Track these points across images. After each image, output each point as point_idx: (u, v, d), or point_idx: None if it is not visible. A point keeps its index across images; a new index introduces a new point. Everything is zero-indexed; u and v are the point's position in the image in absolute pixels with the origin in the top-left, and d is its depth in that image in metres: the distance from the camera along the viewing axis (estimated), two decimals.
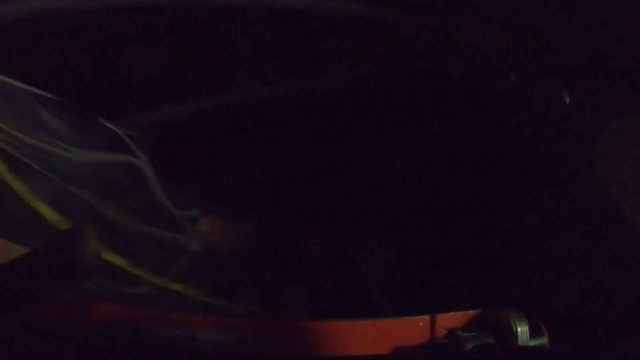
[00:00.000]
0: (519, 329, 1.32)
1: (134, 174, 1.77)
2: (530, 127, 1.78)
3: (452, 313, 1.35)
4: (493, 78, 1.82)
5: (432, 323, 1.33)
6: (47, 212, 1.70)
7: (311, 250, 2.03)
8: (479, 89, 1.80)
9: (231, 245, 2.02)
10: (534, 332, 1.34)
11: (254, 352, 1.28)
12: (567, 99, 1.74)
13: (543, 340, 1.35)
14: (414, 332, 1.32)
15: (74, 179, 1.66)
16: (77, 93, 1.64)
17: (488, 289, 1.59)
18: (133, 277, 1.79)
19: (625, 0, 1.58)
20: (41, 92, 1.60)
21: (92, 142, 1.70)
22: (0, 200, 1.67)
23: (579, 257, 1.58)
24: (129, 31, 1.69)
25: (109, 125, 1.75)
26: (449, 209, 1.79)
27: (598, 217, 1.59)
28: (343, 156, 1.93)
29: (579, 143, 1.66)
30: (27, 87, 1.60)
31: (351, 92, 1.83)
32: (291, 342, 1.31)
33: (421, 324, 1.32)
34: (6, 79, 1.55)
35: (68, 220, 1.69)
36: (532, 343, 1.33)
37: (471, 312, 1.37)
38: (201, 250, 1.91)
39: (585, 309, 1.49)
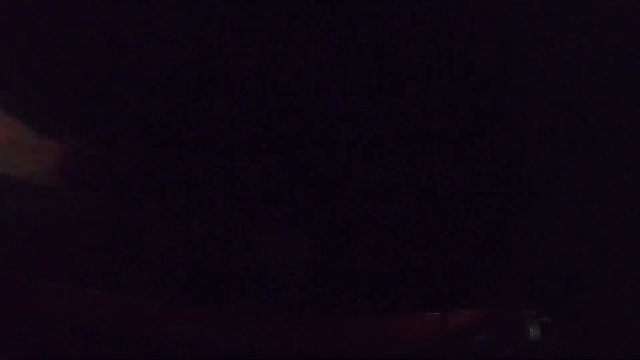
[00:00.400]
0: (530, 328, 1.36)
1: None
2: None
3: (463, 311, 1.38)
4: None
5: (443, 320, 1.36)
6: None
7: (189, 226, 1.56)
8: None
9: (32, 176, 1.39)
10: (545, 332, 1.37)
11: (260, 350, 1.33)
12: None
13: (554, 340, 1.38)
14: (425, 328, 1.35)
15: None
16: None
17: (500, 288, 1.56)
18: None
19: None
20: None
21: None
22: None
23: (592, 257, 1.56)
24: None
25: None
26: (456, 201, 1.63)
27: (611, 216, 1.57)
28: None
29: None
30: None
31: None
32: (299, 339, 1.35)
33: (432, 320, 1.36)
34: None
35: None
36: (543, 342, 1.36)
37: (482, 310, 1.39)
38: None
39: (597, 309, 1.49)
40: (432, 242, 1.54)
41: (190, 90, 1.51)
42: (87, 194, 1.47)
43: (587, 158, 1.55)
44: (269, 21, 1.48)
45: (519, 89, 1.59)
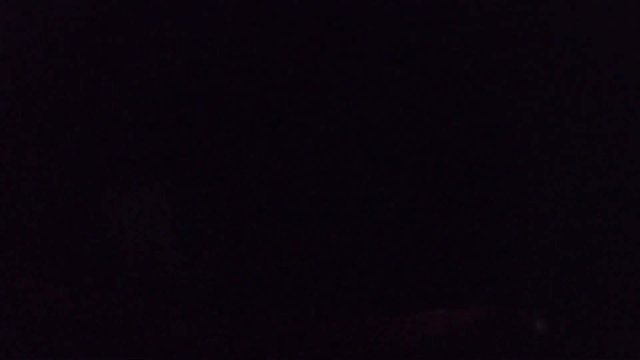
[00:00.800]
0: (537, 325, 1.37)
1: None
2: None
3: (469, 308, 1.39)
4: None
5: (450, 318, 1.37)
6: None
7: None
8: None
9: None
10: (551, 328, 1.38)
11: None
12: None
13: (560, 335, 1.39)
14: (431, 326, 1.36)
15: None
16: None
17: (506, 284, 1.54)
18: None
19: None
20: None
21: None
22: None
23: (599, 252, 1.54)
24: None
25: None
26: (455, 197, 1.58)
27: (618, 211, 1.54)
28: None
29: None
30: None
31: None
32: (303, 340, 1.34)
33: (439, 318, 1.37)
34: None
35: None
36: (550, 338, 1.37)
37: (489, 307, 1.40)
38: None
39: (601, 304, 1.48)
40: (437, 239, 1.52)
41: None
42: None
43: (588, 156, 1.55)
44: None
45: (519, 86, 1.59)
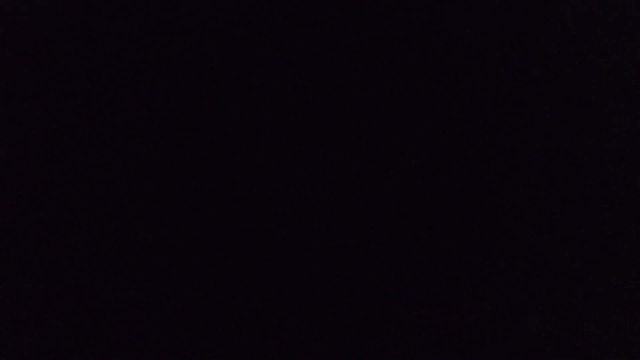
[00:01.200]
0: (530, 319, 1.42)
1: None
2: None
3: (468, 305, 1.42)
4: None
5: (451, 315, 1.39)
6: None
7: None
8: None
9: None
10: (543, 322, 1.42)
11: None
12: None
13: (551, 329, 1.41)
14: (432, 323, 1.40)
15: None
16: None
17: (502, 283, 1.56)
18: None
19: None
20: None
21: None
22: None
23: (592, 251, 1.56)
24: None
25: None
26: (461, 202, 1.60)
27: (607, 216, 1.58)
28: None
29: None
30: None
31: None
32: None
33: (440, 315, 1.40)
34: None
35: None
36: (542, 331, 1.40)
37: (486, 304, 1.42)
38: None
39: (593, 302, 1.53)
40: (436, 241, 1.53)
41: None
42: None
43: (581, 158, 1.55)
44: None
45: (514, 88, 1.58)
